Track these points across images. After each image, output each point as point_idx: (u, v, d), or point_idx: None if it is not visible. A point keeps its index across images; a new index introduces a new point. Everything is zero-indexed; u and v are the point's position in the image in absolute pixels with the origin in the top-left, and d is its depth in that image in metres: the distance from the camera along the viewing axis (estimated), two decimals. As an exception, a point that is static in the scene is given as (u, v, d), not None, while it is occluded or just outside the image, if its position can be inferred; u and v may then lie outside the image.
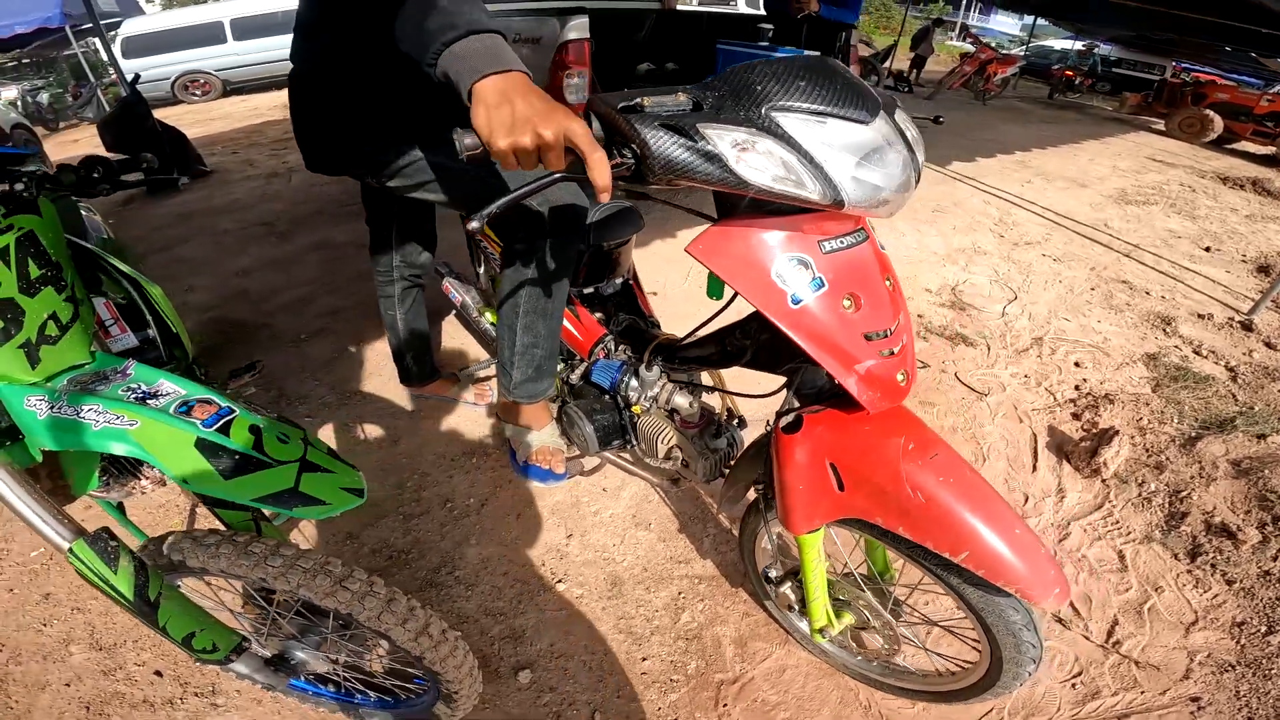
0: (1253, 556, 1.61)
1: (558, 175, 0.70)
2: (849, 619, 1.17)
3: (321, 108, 1.25)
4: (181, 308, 3.00)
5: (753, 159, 0.67)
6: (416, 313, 1.97)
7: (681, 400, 1.37)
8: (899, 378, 0.83)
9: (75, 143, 7.66)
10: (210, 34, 9.95)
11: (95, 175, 1.13)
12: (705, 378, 1.58)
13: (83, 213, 1.70)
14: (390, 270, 1.82)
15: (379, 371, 2.35)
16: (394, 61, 0.97)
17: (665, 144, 0.66)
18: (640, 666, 1.38)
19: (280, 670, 1.04)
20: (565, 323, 1.53)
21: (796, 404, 0.96)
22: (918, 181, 0.78)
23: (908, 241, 3.65)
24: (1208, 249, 3.91)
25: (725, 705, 1.31)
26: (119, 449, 0.89)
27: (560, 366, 1.61)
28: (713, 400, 1.63)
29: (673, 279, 3.04)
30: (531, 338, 1.38)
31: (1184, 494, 1.83)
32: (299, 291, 3.04)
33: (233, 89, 10.49)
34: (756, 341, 1.02)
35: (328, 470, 0.93)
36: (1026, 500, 1.84)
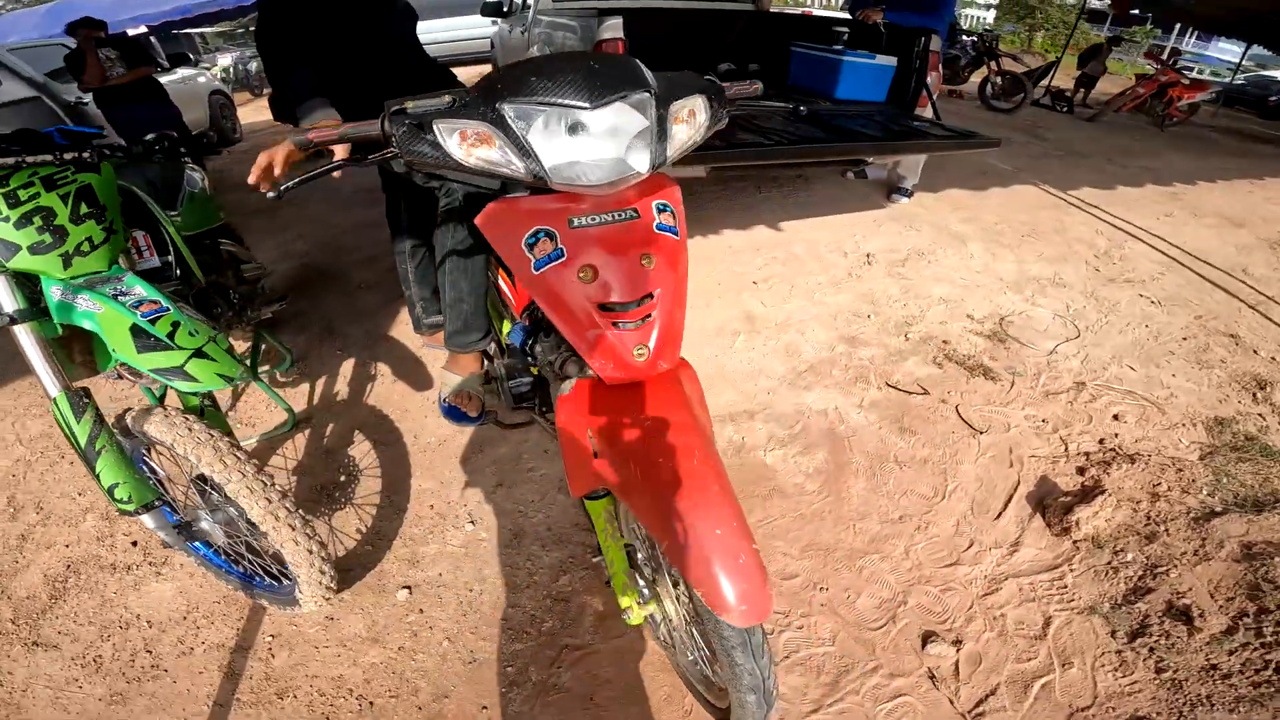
0: (1205, 647, 1.39)
1: (339, 163, 0.94)
2: (651, 608, 1.14)
3: None
4: (286, 252, 3.56)
5: (475, 145, 0.81)
6: (424, 270, 2.23)
7: (574, 368, 1.47)
8: (636, 351, 0.88)
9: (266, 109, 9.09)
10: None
11: (158, 148, 1.49)
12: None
13: (186, 170, 2.16)
14: (400, 229, 2.09)
15: (408, 323, 2.66)
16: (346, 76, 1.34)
17: (408, 138, 0.82)
18: (505, 612, 1.50)
19: (183, 534, 1.30)
20: (505, 289, 1.68)
21: (587, 371, 1.03)
22: (656, 165, 0.83)
23: (973, 264, 3.37)
24: (1371, 313, 3.19)
25: (559, 667, 1.38)
26: (87, 324, 1.23)
27: (508, 329, 1.77)
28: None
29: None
30: (457, 293, 1.56)
31: (1163, 569, 1.60)
32: (376, 250, 3.47)
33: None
34: None
35: (214, 360, 1.20)
36: (970, 546, 1.70)
